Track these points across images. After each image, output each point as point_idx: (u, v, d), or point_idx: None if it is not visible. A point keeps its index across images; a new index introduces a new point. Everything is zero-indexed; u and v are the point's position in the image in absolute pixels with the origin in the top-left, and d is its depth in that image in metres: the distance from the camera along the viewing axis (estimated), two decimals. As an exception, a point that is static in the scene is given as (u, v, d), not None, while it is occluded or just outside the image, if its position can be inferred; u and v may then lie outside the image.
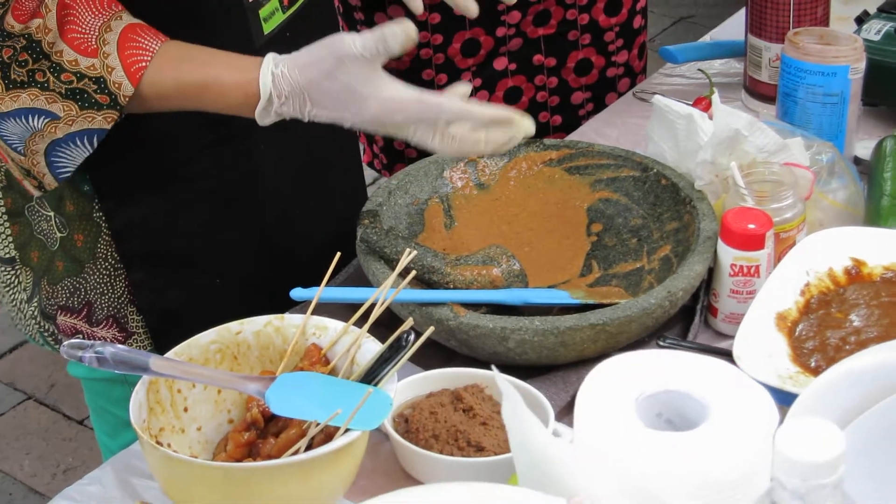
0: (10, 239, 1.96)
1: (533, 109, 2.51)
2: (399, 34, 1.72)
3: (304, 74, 1.77)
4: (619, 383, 1.48)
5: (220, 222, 1.97)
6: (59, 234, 1.95)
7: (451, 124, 1.74)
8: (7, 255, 1.97)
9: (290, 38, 1.98)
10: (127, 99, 1.74)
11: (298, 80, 1.75)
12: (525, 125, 1.75)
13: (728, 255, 1.76)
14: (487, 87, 2.47)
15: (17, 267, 1.99)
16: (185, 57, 1.82)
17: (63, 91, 1.72)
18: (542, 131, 2.49)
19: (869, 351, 1.52)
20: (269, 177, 2.01)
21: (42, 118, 1.73)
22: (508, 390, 1.33)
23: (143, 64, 1.76)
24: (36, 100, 1.72)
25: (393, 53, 1.71)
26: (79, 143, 1.77)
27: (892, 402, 1.44)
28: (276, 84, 1.76)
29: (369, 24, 2.47)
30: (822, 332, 1.70)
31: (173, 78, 1.80)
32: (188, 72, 1.82)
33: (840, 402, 1.44)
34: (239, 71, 1.78)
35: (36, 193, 1.85)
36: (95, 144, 1.77)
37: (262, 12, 1.97)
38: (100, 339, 1.93)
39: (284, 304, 1.79)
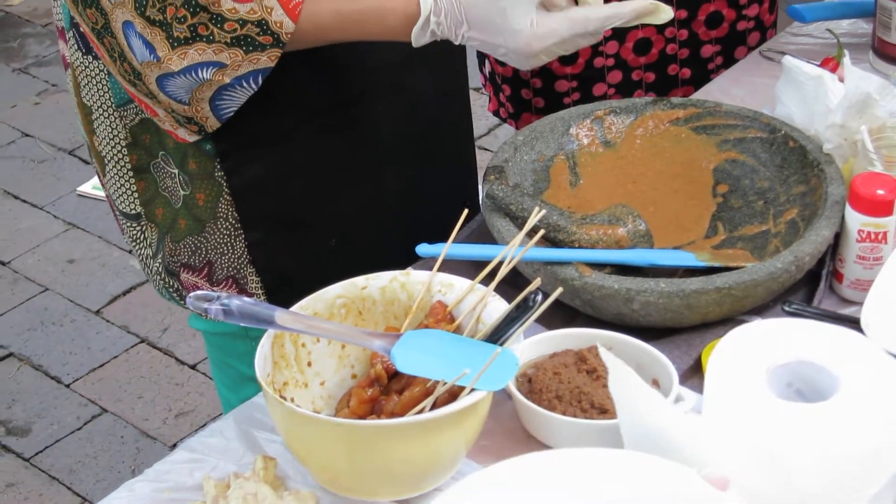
0: (136, 195, 1.98)
1: (662, 62, 2.52)
2: None
3: None
4: (749, 352, 1.49)
5: (337, 184, 1.99)
6: (182, 192, 1.97)
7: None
8: (133, 212, 2.00)
9: None
10: (289, 35, 1.76)
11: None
12: (664, 12, 1.79)
13: (856, 220, 1.75)
14: (617, 37, 2.46)
15: (143, 223, 2.01)
16: None
17: (228, 40, 1.74)
18: (672, 84, 2.53)
19: None
20: (384, 138, 2.02)
21: (210, 69, 1.76)
22: (615, 363, 1.37)
23: (299, 1, 1.78)
24: (203, 53, 1.74)
25: None
26: (245, 84, 1.80)
27: None
28: (438, 3, 1.77)
29: None
30: None
31: (332, 10, 1.81)
32: (345, 1, 1.83)
33: None
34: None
35: (193, 139, 1.87)
36: (260, 82, 1.80)
37: None
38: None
39: (403, 266, 1.79)
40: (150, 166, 1.98)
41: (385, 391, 1.60)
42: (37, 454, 3.77)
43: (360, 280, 1.68)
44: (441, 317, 1.63)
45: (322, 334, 1.62)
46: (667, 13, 1.78)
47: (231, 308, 1.55)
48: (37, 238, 4.37)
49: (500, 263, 1.63)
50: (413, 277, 1.68)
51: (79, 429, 3.82)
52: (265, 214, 1.96)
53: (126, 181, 2.01)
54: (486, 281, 1.62)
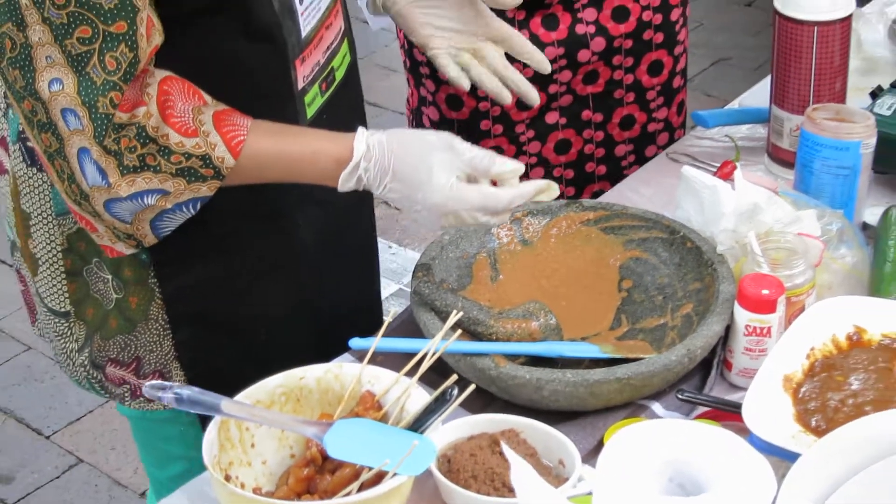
0: (67, 296, 1.94)
1: (581, 160, 2.52)
2: (507, 172, 1.77)
3: (398, 149, 1.78)
4: (636, 451, 1.51)
5: (261, 286, 1.96)
6: (115, 296, 1.93)
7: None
8: (62, 310, 1.95)
9: (325, 121, 2.00)
10: (229, 170, 1.74)
11: (392, 151, 1.77)
12: (555, 190, 1.80)
13: (743, 316, 1.78)
14: (540, 138, 2.47)
15: (72, 321, 1.97)
16: (277, 130, 1.83)
17: (173, 171, 1.72)
18: (589, 179, 2.55)
19: (860, 421, 1.54)
20: (303, 243, 2.00)
21: (154, 195, 1.73)
22: (515, 459, 1.39)
23: (241, 138, 1.76)
24: (150, 182, 1.72)
25: (488, 178, 1.76)
26: (185, 209, 1.77)
27: (878, 468, 1.49)
28: (369, 151, 1.77)
29: (435, 79, 2.50)
30: (823, 393, 1.71)
31: (272, 149, 1.80)
32: (284, 143, 1.82)
33: (831, 469, 1.47)
34: (333, 140, 1.80)
35: (129, 252, 1.83)
36: (199, 208, 1.78)
37: (307, 98, 1.98)
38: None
39: (319, 357, 1.81)
40: (84, 271, 1.94)
41: (320, 470, 1.62)
42: (19, 500, 3.79)
43: (298, 371, 1.70)
44: (370, 405, 1.66)
45: (263, 422, 1.65)
46: (556, 191, 1.79)
47: (182, 396, 1.58)
48: (21, 301, 4.37)
49: (426, 355, 1.66)
50: (345, 369, 1.71)
51: (57, 477, 3.82)
52: (194, 315, 1.93)
53: (58, 282, 1.97)
54: (412, 371, 1.64)
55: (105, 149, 1.68)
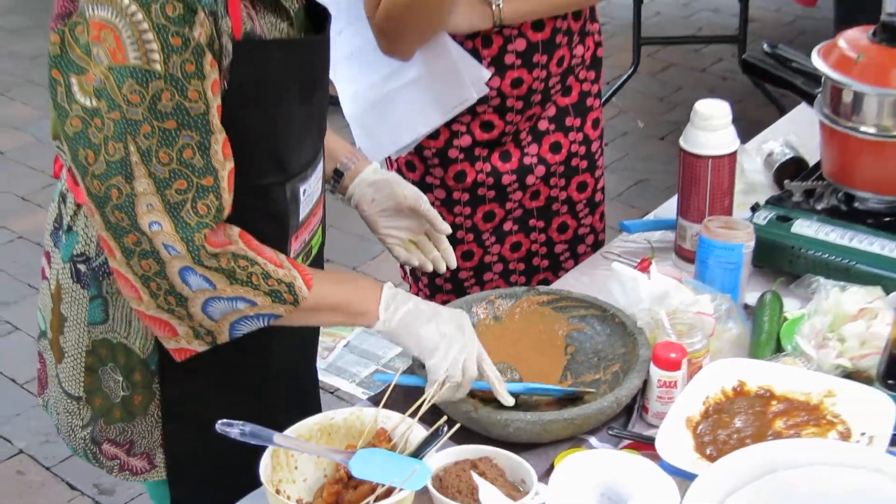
0: (82, 385, 1.85)
1: (529, 256, 2.51)
2: (497, 387, 1.78)
3: (408, 317, 1.76)
4: (577, 473, 1.59)
5: (241, 391, 1.90)
6: (122, 393, 1.84)
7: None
8: (76, 395, 1.87)
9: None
10: (304, 299, 1.69)
11: (401, 320, 1.75)
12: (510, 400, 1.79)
13: (656, 373, 1.80)
14: (499, 242, 2.46)
15: (82, 404, 1.87)
16: (330, 277, 1.82)
17: (266, 290, 1.66)
18: (535, 271, 2.53)
19: (742, 450, 1.60)
20: (277, 358, 1.94)
21: (245, 303, 1.66)
22: (484, 484, 1.50)
23: (310, 276, 1.71)
24: (247, 293, 1.66)
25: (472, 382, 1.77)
26: (260, 321, 1.70)
27: (756, 485, 1.53)
28: (384, 322, 1.75)
29: None
30: (715, 430, 1.73)
31: (327, 287, 1.76)
32: (336, 286, 1.79)
33: (721, 486, 1.52)
34: (366, 296, 1.77)
35: (203, 349, 1.72)
36: (271, 323, 1.71)
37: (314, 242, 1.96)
38: (132, 467, 1.90)
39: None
40: (100, 370, 1.84)
41: (346, 487, 1.64)
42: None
43: (330, 413, 1.73)
44: (383, 438, 1.68)
45: (304, 451, 1.67)
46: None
47: (246, 431, 1.59)
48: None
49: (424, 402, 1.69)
50: (365, 412, 1.73)
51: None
52: (182, 415, 1.85)
53: (77, 374, 1.86)
54: (415, 412, 1.67)
55: (207, 268, 1.63)
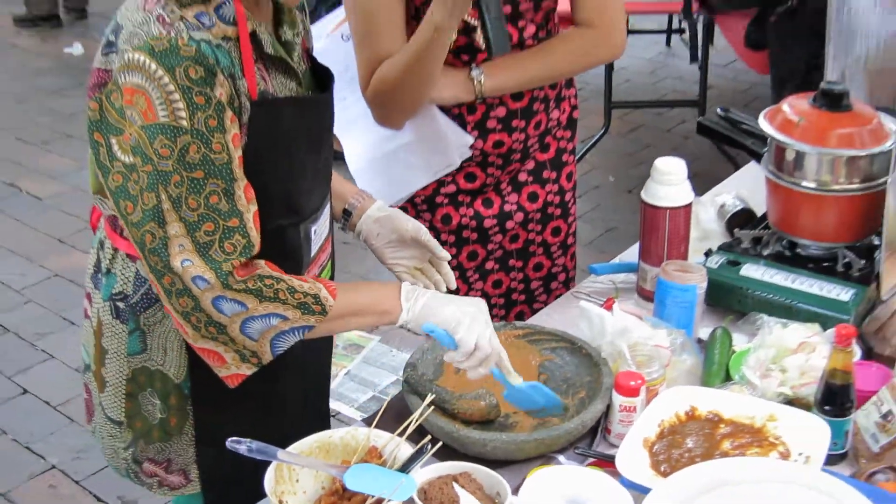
0: (123, 410, 1.86)
1: (508, 293, 2.50)
2: (508, 366, 1.80)
3: (430, 302, 1.77)
4: (547, 486, 1.61)
5: (263, 412, 1.90)
6: (159, 416, 1.85)
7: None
8: (117, 419, 1.87)
9: None
10: (330, 307, 1.69)
11: (423, 306, 1.76)
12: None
13: (618, 399, 1.80)
14: (482, 279, 2.46)
15: (123, 428, 1.87)
16: (351, 285, 1.80)
17: (295, 304, 1.66)
18: (513, 305, 2.52)
19: (692, 467, 1.63)
20: (294, 387, 1.96)
21: (277, 318, 1.66)
22: (465, 495, 1.51)
23: (334, 287, 1.71)
24: (277, 308, 1.66)
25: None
26: (296, 333, 1.70)
27: (704, 499, 1.55)
28: (407, 311, 1.75)
29: None
30: (669, 450, 1.74)
31: (350, 294, 1.76)
32: (359, 294, 1.79)
33: (673, 499, 1.55)
34: (387, 296, 1.77)
35: (251, 371, 1.73)
36: (305, 335, 1.71)
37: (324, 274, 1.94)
38: (170, 483, 1.90)
39: None
40: (139, 395, 1.84)
41: (341, 498, 1.64)
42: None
43: (328, 432, 1.73)
44: (374, 455, 1.69)
45: (304, 465, 1.67)
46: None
47: (253, 448, 1.60)
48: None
49: (411, 423, 1.70)
50: (359, 431, 1.73)
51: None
52: (215, 434, 1.81)
53: (119, 400, 1.86)
54: (403, 432, 1.68)
55: (237, 291, 1.63)
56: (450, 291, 2.09)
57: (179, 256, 1.59)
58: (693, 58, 5.15)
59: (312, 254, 1.87)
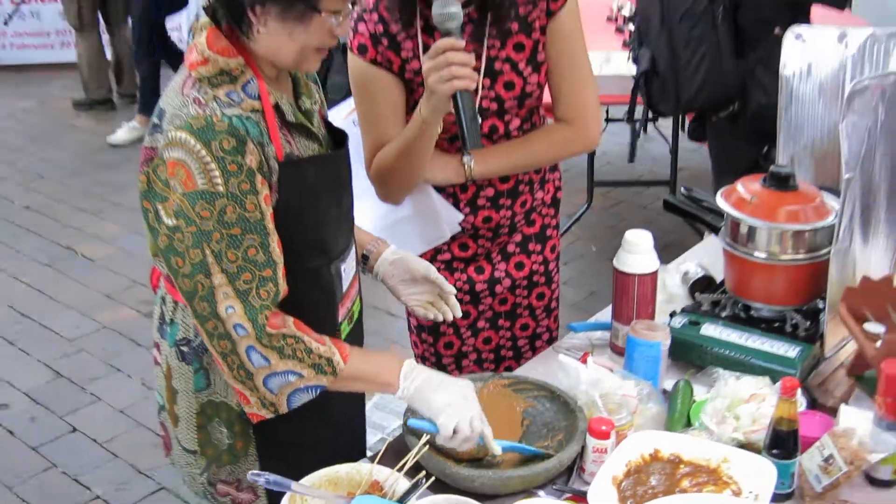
0: (196, 440, 1.88)
1: (497, 349, 2.50)
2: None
3: (422, 386, 1.77)
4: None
5: (309, 439, 1.90)
6: (227, 442, 1.87)
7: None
8: (192, 449, 1.90)
9: (349, 339, 1.94)
10: (341, 371, 1.72)
11: (416, 389, 1.77)
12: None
13: (591, 441, 1.80)
14: (473, 336, 2.46)
15: (197, 456, 1.90)
16: (363, 354, 1.81)
17: (310, 364, 1.69)
18: (502, 360, 2.52)
19: (655, 502, 1.62)
20: (336, 416, 1.96)
21: (294, 375, 1.69)
22: None
23: (348, 352, 1.74)
24: (294, 366, 1.69)
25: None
26: (309, 392, 1.73)
27: None
28: (403, 389, 1.77)
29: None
30: (635, 487, 1.74)
31: (358, 363, 1.77)
32: (364, 362, 1.79)
33: None
34: (390, 371, 1.78)
35: (269, 416, 1.75)
36: (318, 393, 1.73)
37: (342, 327, 1.93)
38: (241, 500, 1.91)
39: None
40: (208, 426, 1.87)
41: None
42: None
43: (335, 468, 1.73)
44: (376, 488, 1.70)
45: (315, 496, 1.67)
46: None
47: (270, 480, 1.61)
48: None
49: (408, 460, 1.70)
50: (363, 467, 1.74)
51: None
52: (274, 452, 1.87)
53: (191, 432, 1.88)
54: (401, 468, 1.68)
55: (265, 346, 1.67)
56: (455, 320, 2.14)
57: (224, 303, 1.64)
58: (630, 157, 5.19)
59: (344, 289, 1.91)
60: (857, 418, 1.86)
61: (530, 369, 2.23)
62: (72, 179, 6.18)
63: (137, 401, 3.98)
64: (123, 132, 6.68)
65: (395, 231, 2.32)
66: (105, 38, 7.15)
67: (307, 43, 1.68)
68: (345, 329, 1.95)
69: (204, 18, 1.70)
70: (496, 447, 1.79)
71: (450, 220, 2.33)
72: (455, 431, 1.74)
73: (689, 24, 3.32)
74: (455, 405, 1.76)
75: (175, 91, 1.68)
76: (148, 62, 6.59)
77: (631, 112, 4.58)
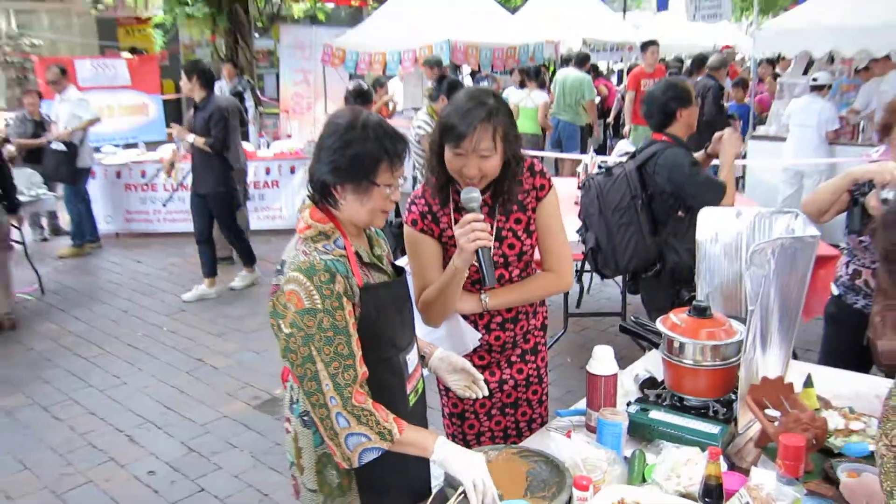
0: (316, 482, 1.88)
1: (505, 429, 2.43)
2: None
3: (448, 454, 1.74)
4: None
5: (401, 468, 1.87)
6: (337, 480, 1.85)
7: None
8: (313, 488, 1.89)
9: (416, 408, 1.92)
10: (397, 440, 1.72)
11: (444, 455, 1.75)
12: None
13: (576, 492, 1.78)
14: (489, 420, 2.39)
15: (317, 494, 1.89)
16: (414, 429, 1.77)
17: (376, 431, 1.70)
18: (509, 436, 2.46)
19: None
20: (410, 457, 1.85)
21: (363, 438, 1.69)
22: None
23: (405, 427, 1.74)
24: (365, 430, 1.69)
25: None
26: (375, 451, 1.72)
27: None
28: (438, 453, 1.75)
29: (448, 398, 2.45)
30: None
31: (409, 435, 1.75)
32: (414, 437, 1.76)
33: None
34: (429, 443, 1.76)
35: (347, 467, 1.74)
36: (381, 454, 1.72)
37: (409, 399, 1.90)
38: None
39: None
40: (324, 471, 1.85)
41: None
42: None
43: None
44: None
45: None
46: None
47: None
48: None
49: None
50: None
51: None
52: (369, 485, 1.85)
53: (312, 476, 1.87)
54: None
55: (349, 412, 1.69)
56: (476, 407, 2.15)
57: (323, 382, 1.67)
58: (577, 304, 5.18)
59: (409, 371, 1.92)
60: (763, 476, 1.85)
61: (530, 442, 2.21)
62: (203, 312, 6.21)
63: (248, 469, 3.92)
64: (239, 280, 6.75)
65: (439, 343, 2.32)
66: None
67: (373, 207, 1.76)
68: (412, 399, 1.95)
69: (307, 202, 1.82)
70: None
71: (472, 337, 2.35)
72: (473, 486, 1.73)
73: (619, 214, 3.38)
74: (473, 468, 1.75)
75: (291, 247, 1.80)
76: (238, 240, 6.58)
77: (580, 273, 4.66)
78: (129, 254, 7.75)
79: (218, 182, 6.04)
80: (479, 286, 2.31)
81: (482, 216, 2.02)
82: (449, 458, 1.74)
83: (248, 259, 6.63)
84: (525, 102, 9.02)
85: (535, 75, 9.21)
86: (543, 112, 9.07)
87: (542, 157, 8.39)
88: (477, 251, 2.01)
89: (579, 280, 5.36)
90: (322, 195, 1.75)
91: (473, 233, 1.97)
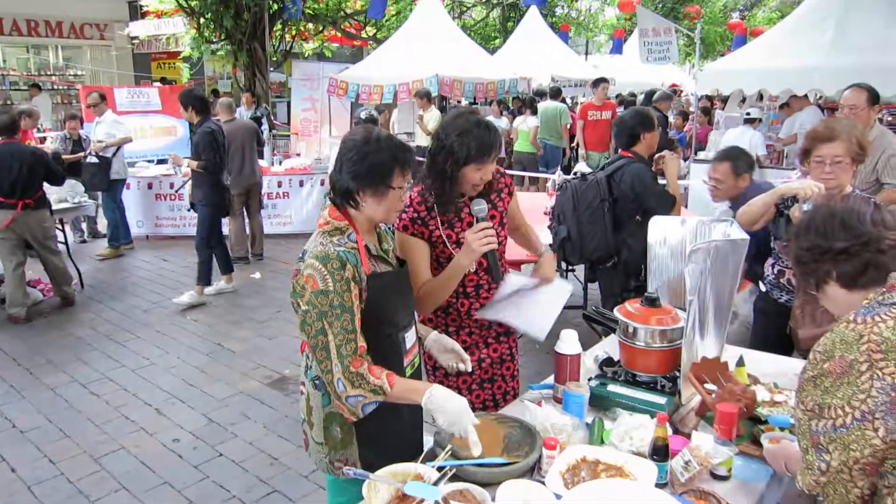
0: (322, 436, 1.84)
1: (484, 401, 2.40)
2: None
3: (434, 400, 1.67)
4: (508, 494, 1.57)
5: (386, 434, 1.84)
6: (339, 436, 1.82)
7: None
8: (319, 441, 1.85)
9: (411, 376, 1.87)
10: (388, 393, 1.68)
11: (432, 404, 1.70)
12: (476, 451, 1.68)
13: (545, 451, 1.78)
14: (469, 393, 2.39)
15: (323, 446, 1.85)
16: (404, 382, 1.74)
17: (369, 389, 1.66)
18: (487, 407, 2.43)
19: (583, 485, 1.57)
20: (404, 416, 1.84)
21: (361, 398, 1.68)
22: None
23: (394, 381, 1.70)
24: (360, 392, 1.68)
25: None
26: (374, 404, 1.70)
27: (586, 497, 1.50)
28: (425, 402, 1.70)
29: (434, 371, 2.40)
30: (573, 477, 1.73)
31: (401, 392, 1.68)
32: (405, 390, 1.71)
33: (573, 498, 1.50)
34: (419, 392, 1.71)
35: (355, 419, 1.71)
36: (378, 404, 1.69)
37: (406, 371, 1.88)
38: (348, 471, 1.74)
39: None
40: (329, 427, 1.82)
41: (402, 500, 1.61)
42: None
43: (394, 466, 1.70)
44: (419, 478, 1.68)
45: (383, 482, 1.64)
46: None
47: (351, 474, 1.64)
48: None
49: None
50: (411, 466, 1.69)
51: None
52: (367, 440, 1.83)
53: (320, 431, 1.85)
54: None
55: (346, 378, 1.67)
56: (458, 380, 2.11)
57: (332, 352, 1.66)
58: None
59: (407, 348, 1.89)
60: (702, 439, 1.86)
61: (507, 411, 2.21)
62: (222, 304, 6.13)
63: (260, 437, 3.87)
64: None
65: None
66: (245, 220, 7.24)
67: (389, 206, 1.78)
68: (409, 371, 1.95)
69: (328, 202, 1.85)
70: (477, 449, 1.72)
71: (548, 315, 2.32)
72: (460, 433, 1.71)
73: (590, 212, 3.53)
74: (458, 412, 1.71)
75: (311, 239, 1.81)
76: (203, 253, 5.88)
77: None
78: (157, 254, 7.67)
79: (205, 197, 5.76)
80: (492, 279, 2.30)
81: (490, 224, 2.06)
82: (437, 402, 1.70)
83: (204, 278, 5.98)
84: (522, 126, 9.32)
85: (530, 104, 9.62)
86: (534, 135, 9.30)
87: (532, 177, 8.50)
88: (486, 253, 2.05)
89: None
90: (345, 199, 1.77)
91: (486, 237, 2.01)
